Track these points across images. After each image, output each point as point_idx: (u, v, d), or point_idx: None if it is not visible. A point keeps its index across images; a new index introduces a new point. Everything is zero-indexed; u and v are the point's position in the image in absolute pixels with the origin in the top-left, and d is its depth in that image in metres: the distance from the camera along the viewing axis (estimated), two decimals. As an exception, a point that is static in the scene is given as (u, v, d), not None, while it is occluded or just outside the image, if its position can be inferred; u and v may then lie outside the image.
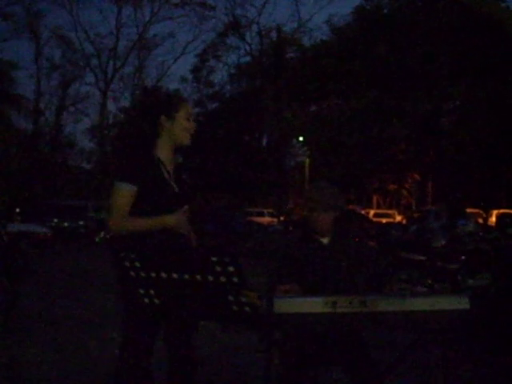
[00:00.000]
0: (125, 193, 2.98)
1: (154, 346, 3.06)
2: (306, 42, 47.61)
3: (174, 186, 3.10)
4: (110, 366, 4.68)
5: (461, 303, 2.45)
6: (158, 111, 3.09)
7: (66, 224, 23.17)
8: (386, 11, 39.05)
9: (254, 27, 50.85)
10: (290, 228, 20.82)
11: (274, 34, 49.83)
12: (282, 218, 30.40)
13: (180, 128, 3.09)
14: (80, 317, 7.24)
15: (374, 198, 44.43)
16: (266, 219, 32.94)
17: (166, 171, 3.08)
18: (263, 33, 49.87)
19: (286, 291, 2.82)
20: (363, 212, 29.61)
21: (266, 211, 36.69)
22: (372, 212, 34.32)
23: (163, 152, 3.11)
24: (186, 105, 3.17)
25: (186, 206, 3.12)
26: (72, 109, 49.50)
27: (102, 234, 20.89)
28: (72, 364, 5.08)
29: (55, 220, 22.88)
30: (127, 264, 2.26)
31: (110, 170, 38.03)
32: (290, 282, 2.95)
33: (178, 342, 3.12)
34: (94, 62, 49.19)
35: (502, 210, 27.74)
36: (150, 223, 2.99)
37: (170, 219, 3.01)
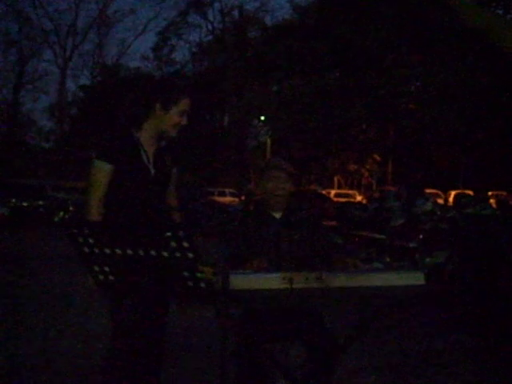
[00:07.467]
0: (102, 171, 3.01)
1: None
2: (269, 21, 47.57)
3: (152, 169, 3.10)
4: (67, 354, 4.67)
5: (416, 279, 2.48)
6: (155, 97, 3.05)
7: (24, 204, 22.75)
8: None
9: (217, 5, 50.52)
10: (251, 208, 20.87)
11: (236, 13, 49.71)
12: (242, 198, 30.41)
13: (170, 121, 3.07)
14: (41, 297, 7.16)
15: (335, 179, 44.76)
16: (228, 199, 32.92)
17: (144, 154, 3.09)
18: (225, 11, 49.66)
19: (258, 266, 2.82)
20: (324, 192, 29.79)
21: (227, 191, 36.67)
22: (333, 192, 34.59)
23: (146, 134, 3.11)
24: (187, 100, 3.10)
25: None
26: (30, 86, 48.67)
27: (62, 213, 20.63)
28: (37, 346, 5.02)
29: (13, 200, 22.45)
30: (81, 240, 2.22)
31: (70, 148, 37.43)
32: (258, 257, 2.97)
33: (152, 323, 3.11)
34: (53, 38, 48.37)
35: (459, 191, 28.19)
36: None
37: None
